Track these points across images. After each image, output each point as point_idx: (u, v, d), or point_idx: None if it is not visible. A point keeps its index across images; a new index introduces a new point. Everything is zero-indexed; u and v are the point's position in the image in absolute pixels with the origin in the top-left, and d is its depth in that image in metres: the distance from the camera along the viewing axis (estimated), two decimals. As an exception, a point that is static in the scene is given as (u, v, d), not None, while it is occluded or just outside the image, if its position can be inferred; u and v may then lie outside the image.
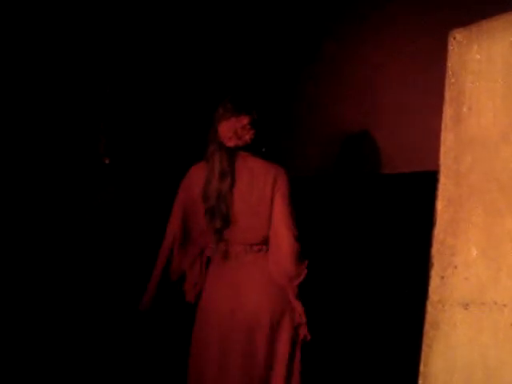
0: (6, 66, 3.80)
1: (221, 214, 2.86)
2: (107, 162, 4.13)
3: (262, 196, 2.88)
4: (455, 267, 1.91)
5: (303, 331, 2.91)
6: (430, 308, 1.95)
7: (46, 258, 3.88)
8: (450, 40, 1.94)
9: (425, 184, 2.21)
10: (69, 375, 3.76)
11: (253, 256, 2.90)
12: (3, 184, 3.76)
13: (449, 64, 1.94)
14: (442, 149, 1.96)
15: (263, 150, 3.01)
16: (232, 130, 2.92)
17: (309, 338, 2.93)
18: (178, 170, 3.69)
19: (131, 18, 4.26)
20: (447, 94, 1.95)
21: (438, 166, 1.96)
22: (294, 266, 2.85)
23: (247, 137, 2.95)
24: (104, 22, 4.16)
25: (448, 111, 1.95)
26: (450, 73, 1.93)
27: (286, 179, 2.93)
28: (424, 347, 1.94)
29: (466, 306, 1.87)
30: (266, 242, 2.91)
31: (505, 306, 1.79)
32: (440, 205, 1.96)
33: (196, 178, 3.00)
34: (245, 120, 2.93)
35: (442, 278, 1.93)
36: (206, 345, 2.92)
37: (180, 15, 4.43)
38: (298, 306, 2.89)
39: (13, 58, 3.83)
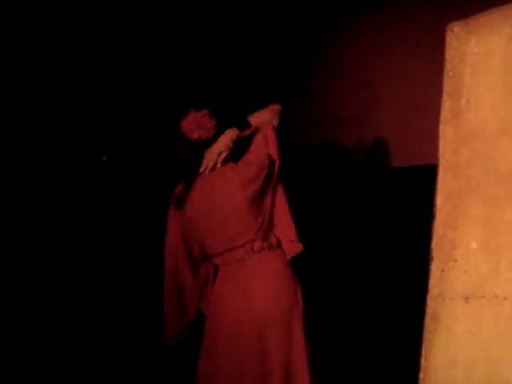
0: (5, 65, 3.79)
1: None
2: (105, 159, 4.12)
3: (247, 192, 2.87)
4: (455, 260, 1.91)
5: None
6: (430, 302, 1.95)
7: (44, 255, 3.87)
8: (448, 33, 1.93)
9: (424, 178, 2.21)
10: (69, 375, 3.76)
11: (256, 258, 2.88)
12: (1, 181, 3.75)
13: (447, 57, 1.94)
14: (441, 142, 1.96)
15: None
16: (194, 121, 2.96)
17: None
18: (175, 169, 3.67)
19: (129, 19, 4.25)
20: (445, 88, 1.94)
21: (437, 159, 1.96)
22: None
23: (209, 125, 2.97)
24: (102, 22, 4.15)
25: (447, 104, 1.94)
26: (449, 66, 1.93)
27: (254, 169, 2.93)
28: (425, 341, 1.94)
29: (466, 300, 1.87)
30: (265, 237, 2.90)
31: (505, 298, 1.79)
32: (439, 198, 1.96)
33: (187, 196, 3.00)
34: (204, 111, 2.99)
35: (442, 271, 1.93)
36: (217, 355, 2.88)
37: (181, 14, 4.42)
38: None
39: (13, 59, 3.82)
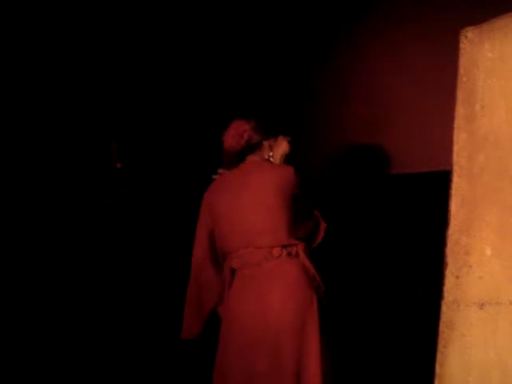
0: (17, 74, 3.82)
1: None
2: (119, 166, 4.14)
3: (273, 194, 2.88)
4: (470, 267, 1.90)
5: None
6: (445, 308, 1.94)
7: (56, 262, 3.89)
8: (462, 38, 1.93)
9: (438, 184, 2.20)
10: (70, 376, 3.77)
11: (274, 263, 2.87)
12: (15, 188, 3.78)
13: (461, 63, 1.93)
14: (455, 148, 1.96)
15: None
16: (233, 131, 3.01)
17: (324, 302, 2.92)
18: (189, 173, 3.68)
19: (141, 23, 4.28)
20: (459, 93, 1.94)
21: (451, 165, 1.95)
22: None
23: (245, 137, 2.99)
24: (114, 26, 4.17)
25: (460, 110, 1.94)
26: (462, 71, 1.93)
27: (296, 175, 2.94)
28: (439, 347, 1.93)
29: (481, 306, 1.87)
30: (285, 245, 2.88)
31: (520, 305, 1.79)
32: (454, 204, 1.95)
33: (215, 191, 3.03)
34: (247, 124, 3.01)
35: (457, 277, 1.92)
36: (232, 358, 2.88)
37: (192, 19, 4.43)
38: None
39: (24, 66, 3.85)
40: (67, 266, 3.90)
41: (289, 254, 2.89)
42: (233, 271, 2.96)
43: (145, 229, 4.08)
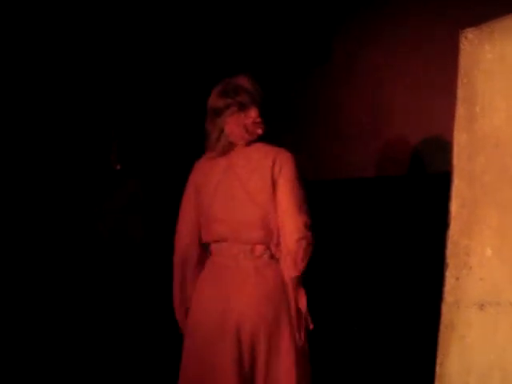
0: (17, 76, 3.83)
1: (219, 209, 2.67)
2: (118, 168, 4.14)
3: (260, 185, 2.60)
4: (470, 268, 1.90)
5: (306, 320, 2.64)
6: (445, 309, 1.94)
7: (55, 263, 3.89)
8: (462, 39, 1.93)
9: (439, 185, 2.21)
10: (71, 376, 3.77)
11: (252, 262, 2.64)
12: (14, 189, 3.78)
13: (461, 63, 1.94)
14: (455, 149, 1.96)
15: None
16: (242, 127, 2.64)
17: (311, 327, 2.66)
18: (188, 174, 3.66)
19: (141, 26, 4.28)
20: (460, 94, 1.94)
21: (451, 166, 1.95)
22: (296, 260, 2.58)
23: (259, 131, 2.65)
24: (114, 28, 4.18)
25: (461, 111, 1.94)
26: (462, 72, 1.93)
27: (289, 161, 2.60)
28: (440, 348, 1.93)
29: (481, 307, 1.86)
30: (268, 244, 2.65)
31: (521, 306, 1.78)
32: (454, 206, 1.95)
33: (202, 172, 2.78)
34: (254, 113, 2.64)
35: (457, 278, 1.92)
36: (194, 352, 2.69)
37: (191, 20, 4.44)
38: (301, 297, 2.64)
39: (24, 68, 3.86)
40: (66, 268, 3.90)
41: (271, 257, 2.68)
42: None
43: (143, 229, 4.08)
